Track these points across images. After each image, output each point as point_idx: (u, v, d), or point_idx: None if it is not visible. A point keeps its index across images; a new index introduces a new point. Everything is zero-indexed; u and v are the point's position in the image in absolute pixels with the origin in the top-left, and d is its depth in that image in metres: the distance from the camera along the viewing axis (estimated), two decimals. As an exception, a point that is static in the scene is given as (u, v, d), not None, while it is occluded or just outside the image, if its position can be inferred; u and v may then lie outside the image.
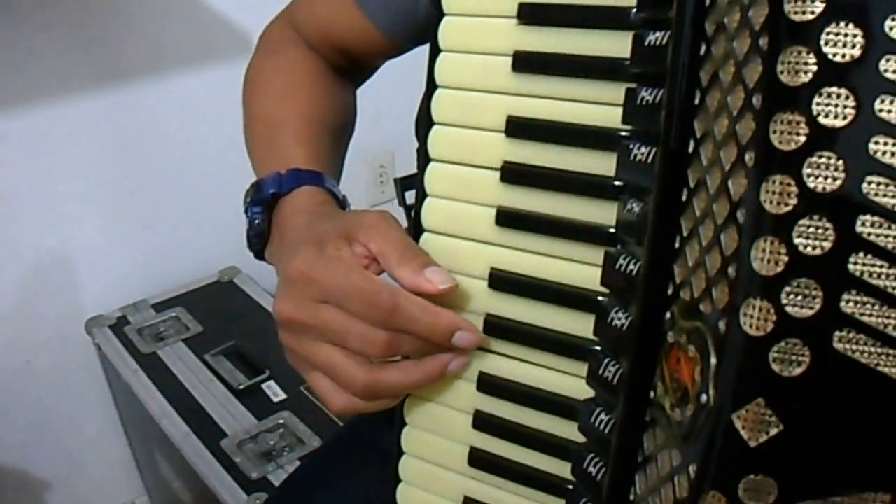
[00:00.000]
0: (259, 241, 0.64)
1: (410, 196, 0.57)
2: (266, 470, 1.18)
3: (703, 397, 0.35)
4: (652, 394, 0.40)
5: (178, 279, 1.63)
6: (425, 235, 0.53)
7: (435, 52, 0.51)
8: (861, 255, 0.31)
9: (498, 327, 0.51)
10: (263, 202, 0.63)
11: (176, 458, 1.29)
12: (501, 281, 0.51)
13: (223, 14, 1.53)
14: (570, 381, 0.48)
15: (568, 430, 0.48)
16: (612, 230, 0.45)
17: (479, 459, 0.53)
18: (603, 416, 0.45)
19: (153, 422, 1.32)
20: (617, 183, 0.45)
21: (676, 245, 0.39)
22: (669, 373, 0.38)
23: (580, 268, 0.47)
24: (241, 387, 1.33)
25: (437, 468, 0.56)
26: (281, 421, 1.27)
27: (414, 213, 0.55)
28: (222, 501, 1.15)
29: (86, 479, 1.67)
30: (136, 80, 1.49)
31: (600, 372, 0.45)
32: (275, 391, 1.34)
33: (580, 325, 0.47)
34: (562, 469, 0.49)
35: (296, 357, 0.53)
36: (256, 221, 0.63)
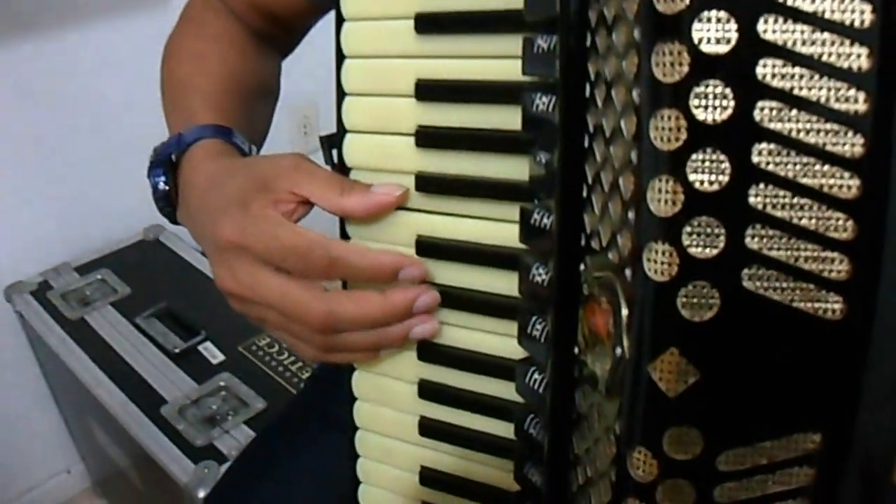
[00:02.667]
0: (167, 205, 0.62)
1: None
2: (212, 436, 1.16)
3: (619, 350, 0.34)
4: (577, 350, 0.39)
5: (101, 240, 1.59)
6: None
7: (339, 22, 0.50)
8: (761, 186, 0.30)
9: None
10: (163, 164, 0.61)
11: (114, 427, 1.27)
12: (428, 247, 0.50)
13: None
14: (508, 342, 0.48)
15: (512, 392, 0.48)
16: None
17: (428, 428, 0.54)
18: (536, 375, 0.45)
19: (87, 391, 1.29)
20: (526, 137, 0.43)
21: (584, 194, 0.37)
22: (588, 326, 0.37)
23: (503, 227, 0.47)
24: (178, 350, 1.31)
25: (391, 440, 0.56)
26: (222, 383, 1.25)
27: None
28: (169, 472, 1.13)
29: (16, 449, 1.64)
30: (46, 32, 1.43)
31: (529, 330, 0.44)
32: (212, 353, 1.32)
33: (510, 285, 0.47)
34: (511, 432, 0.49)
35: (252, 319, 0.53)
36: (159, 186, 0.61)
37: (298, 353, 0.54)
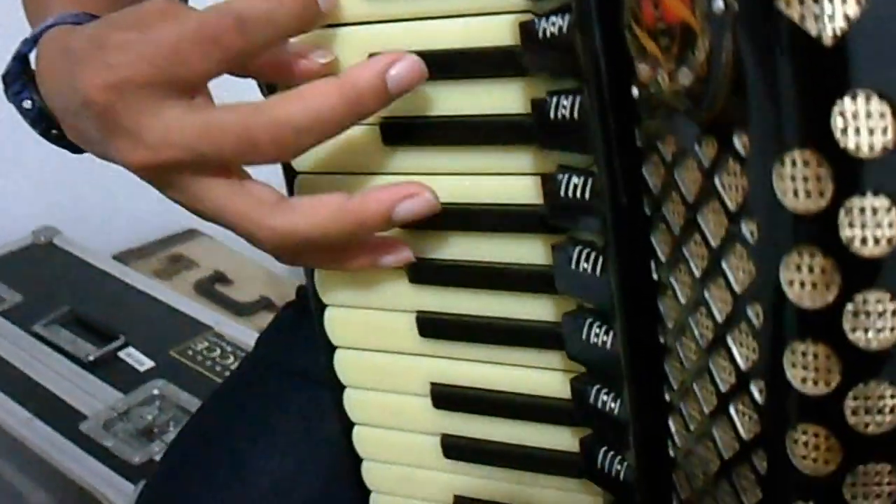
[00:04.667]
0: (49, 124, 0.47)
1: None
2: (151, 451, 1.07)
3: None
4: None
5: None
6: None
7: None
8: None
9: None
10: (20, 76, 0.47)
11: (21, 456, 1.14)
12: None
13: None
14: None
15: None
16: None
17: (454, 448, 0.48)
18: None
19: None
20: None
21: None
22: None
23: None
24: (92, 358, 1.22)
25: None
26: (155, 391, 1.16)
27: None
28: (103, 497, 1.03)
29: None
30: None
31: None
32: (138, 359, 1.23)
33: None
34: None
35: (189, 209, 0.40)
36: (25, 104, 0.47)
37: (257, 239, 0.38)
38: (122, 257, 1.49)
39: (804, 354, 0.28)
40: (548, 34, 0.37)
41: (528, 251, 0.42)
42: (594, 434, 0.42)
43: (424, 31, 0.41)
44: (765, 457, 0.30)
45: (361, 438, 0.51)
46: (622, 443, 0.38)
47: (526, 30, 0.38)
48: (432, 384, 0.47)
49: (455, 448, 0.47)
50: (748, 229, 0.29)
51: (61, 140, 0.48)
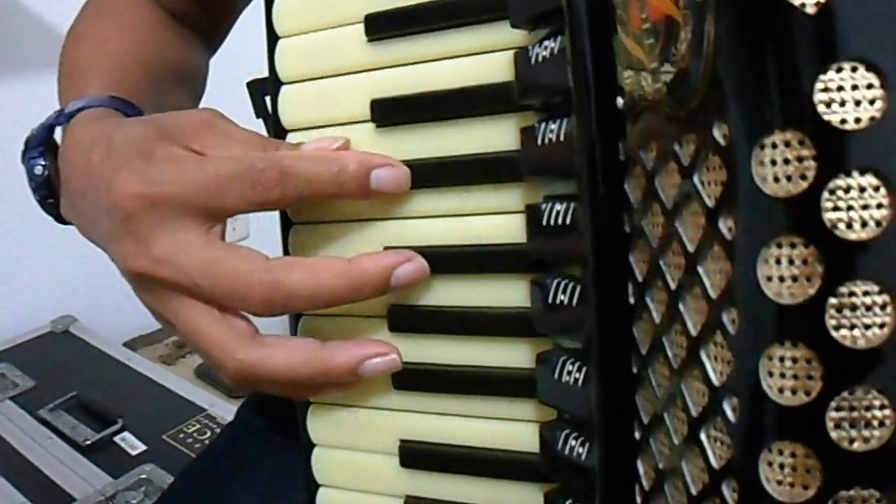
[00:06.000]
0: (49, 195, 0.49)
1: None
2: None
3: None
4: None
5: (1, 333, 1.45)
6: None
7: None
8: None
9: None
10: (42, 144, 0.49)
11: None
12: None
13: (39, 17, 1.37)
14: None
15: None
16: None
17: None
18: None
19: None
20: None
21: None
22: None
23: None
24: (89, 442, 1.19)
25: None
26: (143, 476, 1.13)
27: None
28: None
29: None
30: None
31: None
32: (132, 443, 1.20)
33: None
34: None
35: (158, 317, 0.40)
36: (36, 169, 0.48)
37: (222, 368, 0.37)
38: (131, 344, 1.48)
39: (782, 360, 0.24)
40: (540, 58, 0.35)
41: (509, 294, 0.39)
42: (560, 488, 0.37)
43: (422, 74, 0.40)
44: (736, 487, 0.25)
45: (325, 501, 0.46)
46: (589, 494, 0.33)
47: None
48: (402, 441, 0.43)
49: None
50: (726, 226, 0.26)
51: (52, 210, 0.49)
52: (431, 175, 0.40)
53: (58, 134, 0.50)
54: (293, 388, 0.39)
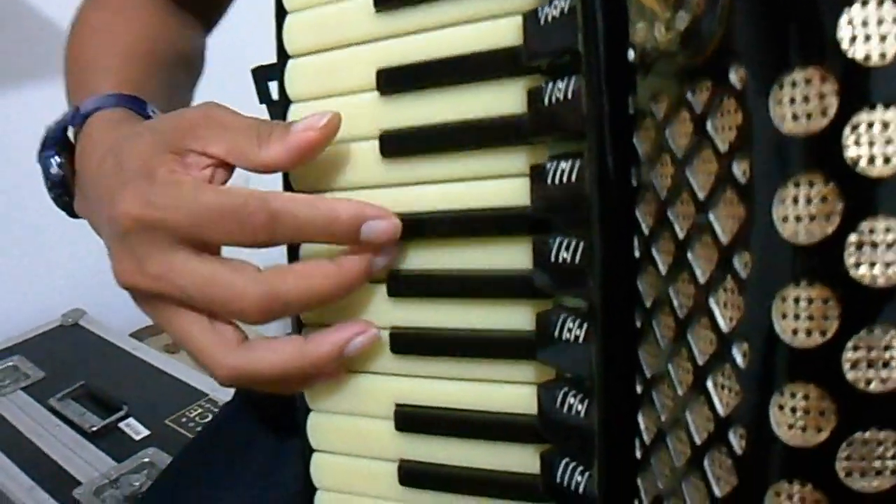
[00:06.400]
0: (64, 193, 0.50)
1: (273, 88, 0.46)
2: None
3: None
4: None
5: (15, 326, 1.45)
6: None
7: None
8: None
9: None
10: (58, 143, 0.49)
11: None
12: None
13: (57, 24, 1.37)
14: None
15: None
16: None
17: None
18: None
19: None
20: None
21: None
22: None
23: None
24: (94, 428, 1.19)
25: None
26: (146, 459, 1.13)
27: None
28: None
29: None
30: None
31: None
32: (136, 429, 1.20)
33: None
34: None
35: (160, 322, 0.41)
36: (52, 168, 0.49)
37: (214, 373, 0.39)
38: (138, 335, 1.48)
39: (797, 301, 0.23)
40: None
41: (512, 256, 0.38)
42: (557, 448, 0.35)
43: (428, 42, 0.39)
44: (744, 433, 0.24)
45: (319, 465, 0.45)
46: (586, 451, 0.32)
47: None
48: (397, 405, 0.42)
49: (412, 474, 0.41)
50: (740, 169, 0.25)
51: (67, 207, 0.50)
52: (433, 140, 0.39)
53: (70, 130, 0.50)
54: (283, 384, 0.41)
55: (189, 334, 0.39)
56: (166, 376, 1.32)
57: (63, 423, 1.22)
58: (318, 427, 0.44)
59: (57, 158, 0.49)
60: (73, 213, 0.50)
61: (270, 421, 0.60)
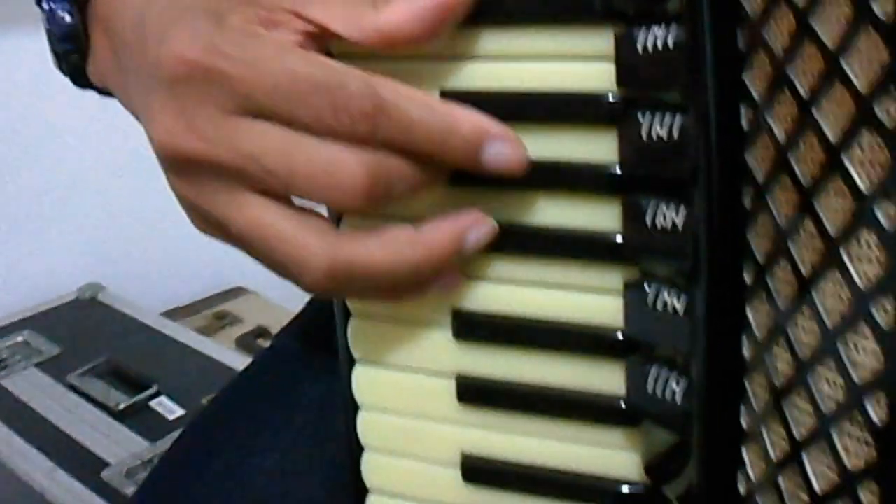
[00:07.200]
0: (74, 50, 0.39)
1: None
2: None
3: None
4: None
5: (25, 299, 1.39)
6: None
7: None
8: None
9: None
10: None
11: None
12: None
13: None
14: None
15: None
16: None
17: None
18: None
19: (3, 468, 1.08)
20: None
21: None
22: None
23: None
24: (122, 406, 1.15)
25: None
26: None
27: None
28: None
29: None
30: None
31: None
32: (169, 408, 1.15)
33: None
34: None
35: (201, 219, 0.33)
36: (59, 13, 0.38)
37: (306, 270, 0.31)
38: (169, 315, 1.43)
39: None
40: None
41: (596, 217, 0.33)
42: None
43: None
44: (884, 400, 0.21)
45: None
46: (686, 430, 0.29)
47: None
48: (464, 455, 0.37)
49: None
50: (882, 108, 0.22)
51: (74, 69, 0.40)
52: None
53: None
54: (390, 288, 0.33)
55: (263, 221, 0.30)
56: (199, 355, 1.26)
57: (85, 401, 1.18)
58: (364, 379, 0.39)
59: (66, 5, 0.38)
60: (80, 80, 0.41)
61: (311, 363, 0.53)
